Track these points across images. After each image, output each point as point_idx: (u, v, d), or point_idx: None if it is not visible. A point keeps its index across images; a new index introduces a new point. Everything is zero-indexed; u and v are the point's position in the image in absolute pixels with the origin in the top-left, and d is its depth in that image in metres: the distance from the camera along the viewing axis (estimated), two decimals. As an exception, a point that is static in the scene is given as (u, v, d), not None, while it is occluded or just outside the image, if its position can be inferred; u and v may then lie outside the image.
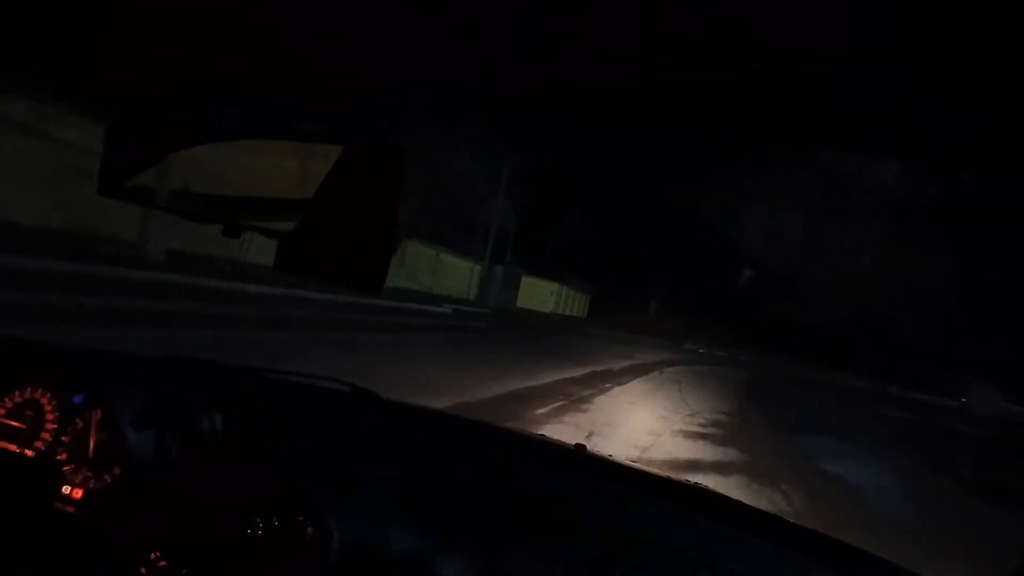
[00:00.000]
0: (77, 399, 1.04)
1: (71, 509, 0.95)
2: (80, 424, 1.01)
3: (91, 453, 0.99)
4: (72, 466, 0.99)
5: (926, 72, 0.52)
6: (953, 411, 24.80)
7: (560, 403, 7.61)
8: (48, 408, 1.04)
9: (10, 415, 1.04)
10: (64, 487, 0.97)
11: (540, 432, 1.91)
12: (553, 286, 33.01)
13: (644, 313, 42.76)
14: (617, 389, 10.06)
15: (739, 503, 1.11)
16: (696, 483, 1.18)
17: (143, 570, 0.84)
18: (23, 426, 1.03)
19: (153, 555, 0.85)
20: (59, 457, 1.00)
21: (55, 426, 1.02)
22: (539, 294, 31.15)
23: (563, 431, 6.05)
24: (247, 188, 0.95)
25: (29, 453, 1.01)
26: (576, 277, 36.33)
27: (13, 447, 1.02)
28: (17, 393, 1.06)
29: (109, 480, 0.97)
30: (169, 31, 0.74)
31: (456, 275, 20.97)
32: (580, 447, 1.21)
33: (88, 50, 0.77)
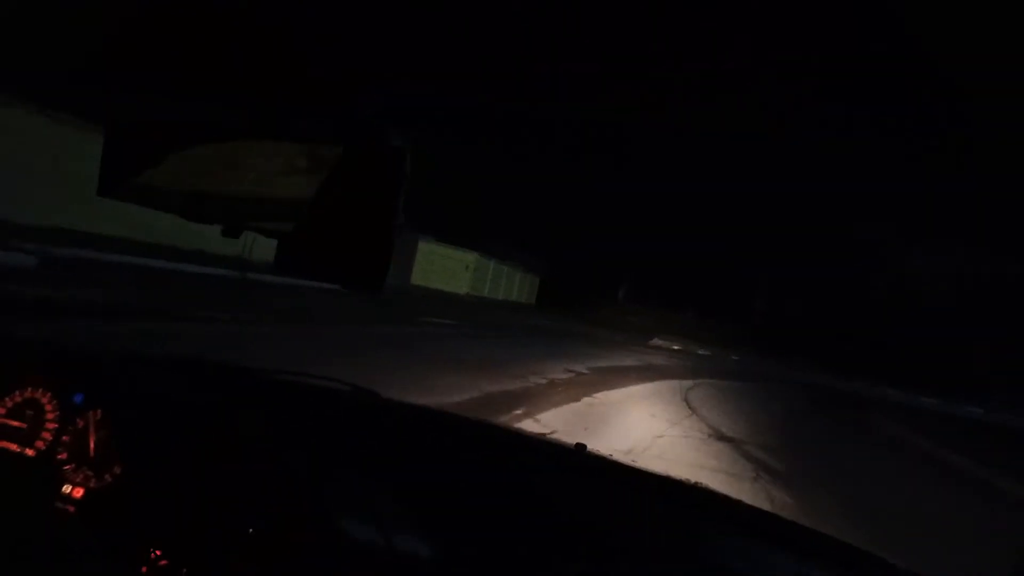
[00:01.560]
0: (77, 399, 1.04)
1: (71, 509, 0.95)
2: (80, 424, 1.01)
3: (91, 453, 0.99)
4: (72, 465, 0.99)
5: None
6: None
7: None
8: (49, 408, 1.04)
9: (11, 415, 1.04)
10: (65, 486, 0.97)
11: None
12: (469, 258, 22.62)
13: (612, 300, 33.42)
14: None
15: (739, 503, 1.11)
16: (696, 483, 1.18)
17: (143, 569, 0.84)
18: (24, 426, 1.03)
19: (153, 554, 0.85)
20: (60, 457, 1.00)
21: (55, 426, 1.02)
22: (447, 268, 21.70)
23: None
24: (247, 188, 0.95)
25: (30, 453, 1.01)
26: (517, 250, 25.54)
27: (14, 447, 1.02)
28: (17, 393, 1.06)
29: (109, 480, 0.97)
30: (169, 31, 0.75)
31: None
32: (580, 447, 1.21)
33: (89, 50, 0.77)
